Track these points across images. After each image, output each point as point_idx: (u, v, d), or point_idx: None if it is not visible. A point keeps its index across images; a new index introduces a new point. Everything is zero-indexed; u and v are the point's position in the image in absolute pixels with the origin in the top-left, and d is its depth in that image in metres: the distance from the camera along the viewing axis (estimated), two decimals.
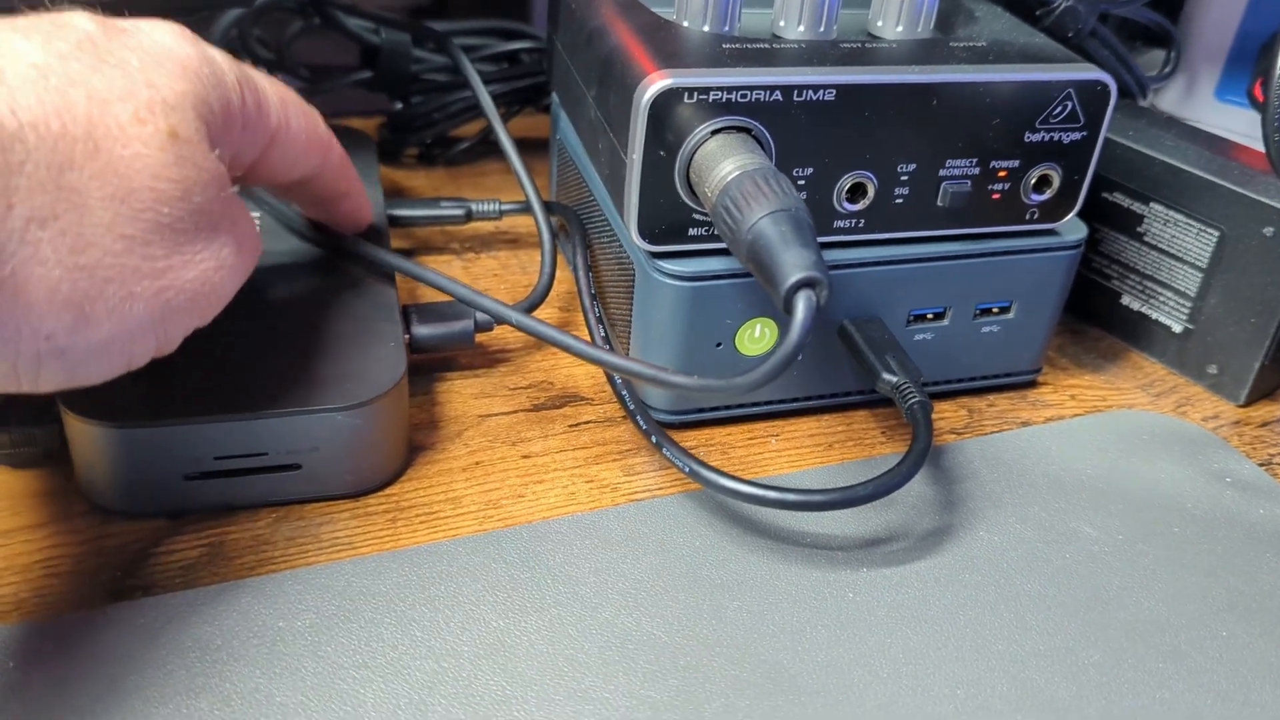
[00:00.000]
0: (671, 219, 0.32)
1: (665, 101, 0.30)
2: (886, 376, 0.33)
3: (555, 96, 0.44)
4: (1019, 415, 0.38)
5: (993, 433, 0.37)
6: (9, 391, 0.23)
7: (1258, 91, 0.48)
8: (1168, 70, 0.50)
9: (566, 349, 0.32)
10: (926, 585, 0.31)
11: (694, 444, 0.36)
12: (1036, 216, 0.35)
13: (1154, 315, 0.42)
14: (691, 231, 0.32)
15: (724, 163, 0.29)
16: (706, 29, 0.33)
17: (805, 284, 0.27)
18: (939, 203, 0.34)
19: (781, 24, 0.34)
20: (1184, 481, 0.35)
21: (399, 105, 0.53)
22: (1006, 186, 0.34)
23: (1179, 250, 0.40)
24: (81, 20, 0.24)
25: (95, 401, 0.29)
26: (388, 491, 0.32)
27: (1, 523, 0.30)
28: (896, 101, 0.32)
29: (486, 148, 0.54)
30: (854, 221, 0.34)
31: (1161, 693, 0.28)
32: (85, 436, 0.29)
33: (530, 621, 0.28)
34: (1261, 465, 0.37)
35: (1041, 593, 0.31)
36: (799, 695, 0.27)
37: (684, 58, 0.31)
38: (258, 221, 0.38)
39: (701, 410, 0.36)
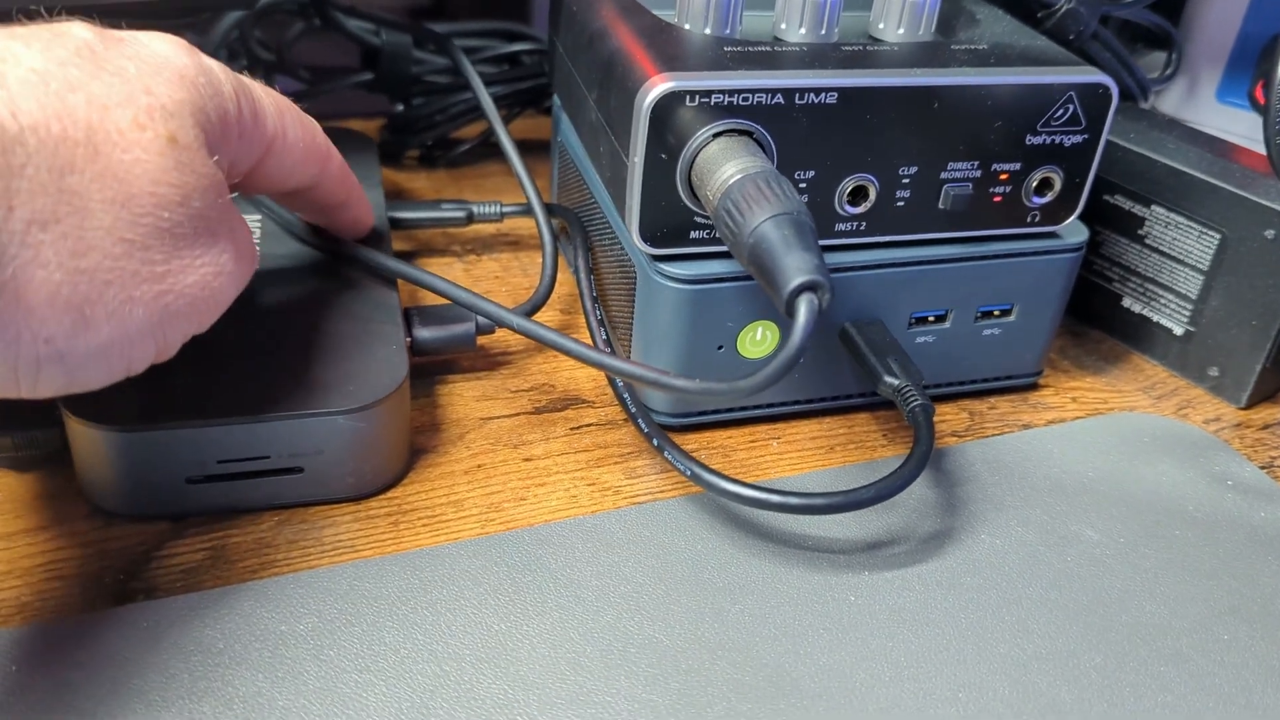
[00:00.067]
0: (673, 222, 0.32)
1: (667, 104, 0.30)
2: (888, 379, 0.33)
3: (556, 99, 0.44)
4: (1020, 418, 0.38)
5: (994, 435, 0.37)
6: (8, 396, 0.23)
7: (1259, 94, 0.48)
8: (1169, 72, 0.50)
9: (568, 353, 0.32)
10: (928, 588, 0.31)
11: (695, 447, 0.36)
12: (1038, 219, 0.35)
13: (1155, 318, 0.42)
14: (693, 234, 0.32)
15: (726, 166, 0.29)
16: (708, 32, 0.33)
17: (807, 287, 0.27)
18: (940, 205, 0.34)
19: (783, 27, 0.34)
20: (1185, 484, 0.35)
21: (400, 107, 0.53)
22: (1008, 189, 0.34)
23: (1180, 253, 0.40)
24: (80, 29, 0.24)
25: (98, 405, 0.29)
26: (389, 494, 0.33)
27: (4, 525, 0.30)
28: (898, 104, 0.32)
29: (487, 150, 0.54)
30: (855, 224, 0.34)
31: (1163, 695, 0.28)
32: (87, 440, 0.29)
33: (532, 625, 0.28)
34: (1263, 468, 0.37)
35: (1043, 596, 0.31)
36: (801, 699, 0.27)
37: (685, 60, 0.31)
38: (258, 226, 0.38)
39: (703, 413, 0.36)
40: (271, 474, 0.31)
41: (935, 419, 0.36)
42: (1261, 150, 0.40)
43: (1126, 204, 0.41)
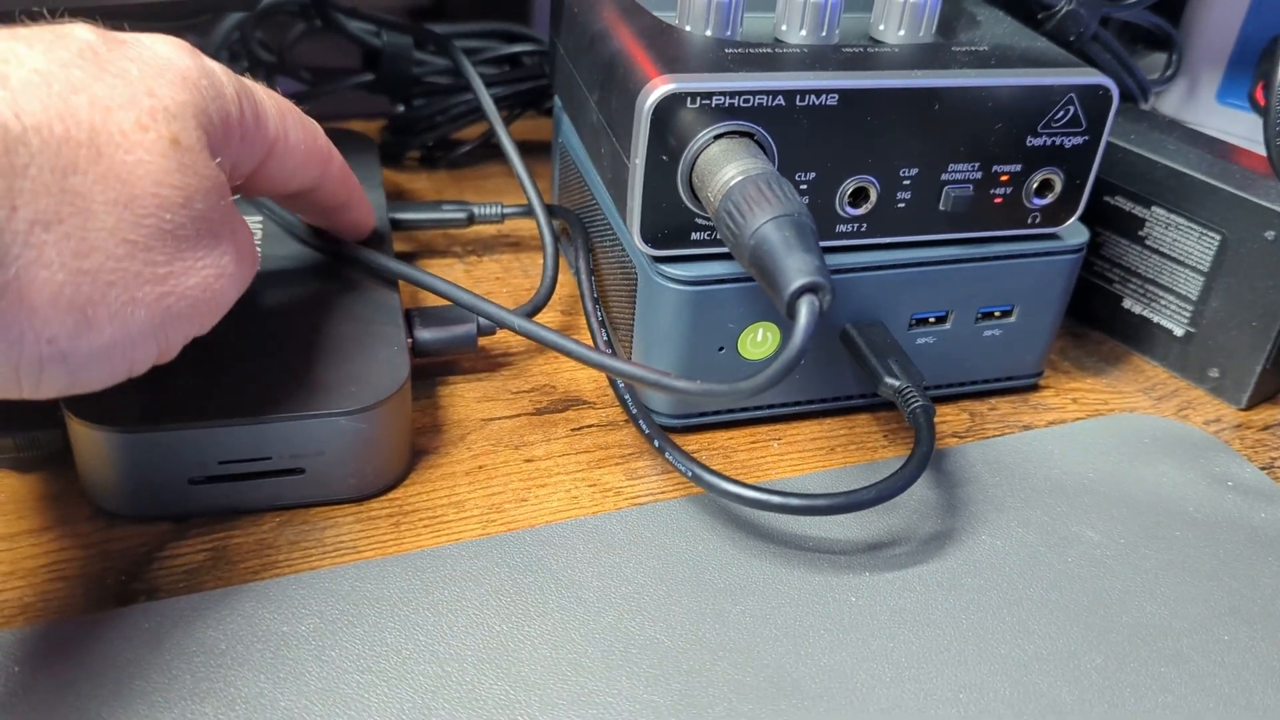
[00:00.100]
0: (674, 223, 0.32)
1: (668, 106, 0.30)
2: (889, 380, 0.33)
3: (557, 100, 0.44)
4: (1021, 419, 0.39)
5: (994, 436, 0.37)
6: (10, 397, 0.23)
7: (1259, 95, 0.48)
8: (1169, 74, 0.50)
9: (569, 354, 0.32)
10: (929, 589, 0.31)
11: (696, 448, 0.36)
12: (1038, 220, 0.36)
13: (1156, 319, 0.42)
14: (694, 236, 0.32)
15: (727, 167, 0.29)
16: (709, 33, 0.33)
17: (808, 289, 0.27)
18: (941, 207, 0.34)
19: (783, 29, 0.34)
20: (1186, 485, 0.35)
21: (401, 108, 0.53)
22: (1008, 191, 0.34)
23: (1180, 254, 0.40)
24: (82, 31, 0.24)
25: (100, 406, 0.29)
26: (391, 495, 0.33)
27: (7, 526, 0.30)
28: (899, 106, 0.32)
29: (488, 151, 0.54)
30: (856, 226, 0.34)
31: (1164, 696, 0.28)
32: (89, 441, 0.29)
33: (533, 626, 0.28)
34: (1263, 469, 0.37)
35: (1044, 597, 0.31)
36: (802, 699, 0.27)
37: (687, 62, 0.31)
38: (259, 228, 0.38)
39: (704, 414, 0.36)
40: (273, 475, 0.31)
41: (936, 420, 0.36)
42: (1261, 151, 0.40)
43: (1127, 205, 0.41)
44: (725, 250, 0.32)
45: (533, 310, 0.38)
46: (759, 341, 0.34)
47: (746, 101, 0.30)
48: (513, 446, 0.35)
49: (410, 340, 0.35)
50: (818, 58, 0.32)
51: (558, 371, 0.39)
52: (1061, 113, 0.33)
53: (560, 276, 0.42)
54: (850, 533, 0.32)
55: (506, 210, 0.44)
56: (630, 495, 0.33)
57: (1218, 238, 0.39)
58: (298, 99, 0.32)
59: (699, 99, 0.30)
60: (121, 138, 0.23)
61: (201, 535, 0.30)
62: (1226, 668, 0.29)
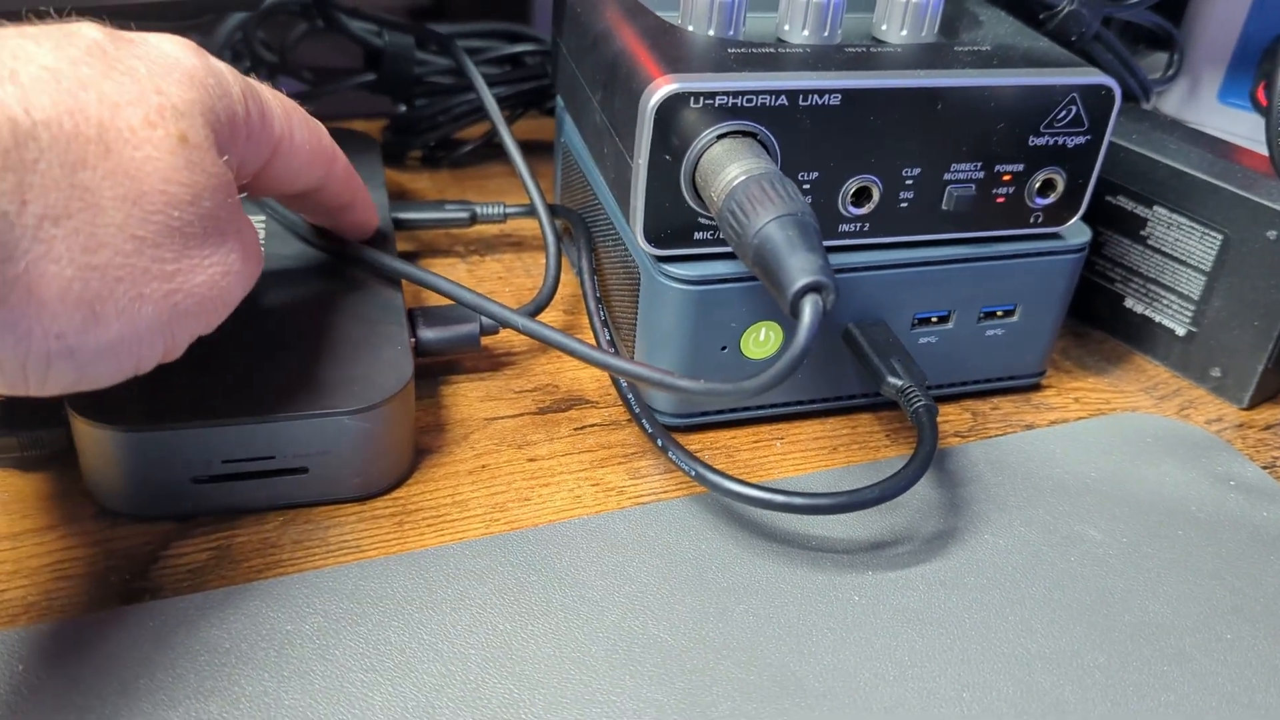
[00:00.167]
0: (677, 223, 0.32)
1: (671, 106, 0.30)
2: (891, 380, 0.33)
3: (560, 100, 0.44)
4: (1023, 418, 0.39)
5: (997, 436, 0.37)
6: (17, 394, 0.23)
7: (1260, 95, 0.48)
8: (1171, 73, 0.50)
9: (572, 353, 0.32)
10: (932, 588, 0.31)
11: (699, 447, 0.36)
12: (1041, 220, 0.36)
13: (1157, 318, 0.42)
14: (697, 235, 0.33)
15: (730, 167, 0.29)
16: (711, 33, 0.33)
17: (812, 288, 0.27)
18: (943, 206, 0.34)
19: (786, 28, 0.35)
20: (1188, 485, 0.36)
21: (403, 108, 0.53)
22: (1011, 190, 0.35)
23: (1182, 253, 0.40)
24: (90, 29, 0.24)
25: (103, 405, 0.29)
26: (394, 495, 0.33)
27: (11, 525, 0.30)
28: (901, 106, 0.32)
29: (490, 150, 0.54)
30: (859, 225, 0.34)
31: (1166, 695, 0.28)
32: (93, 440, 0.29)
33: (537, 624, 0.28)
34: (1265, 468, 0.37)
35: (1046, 596, 0.31)
36: (805, 698, 0.27)
37: (689, 62, 0.31)
38: (263, 227, 0.38)
39: (706, 413, 0.36)
40: (277, 474, 0.31)
41: (938, 419, 0.37)
42: (1263, 151, 0.40)
43: (1129, 205, 0.41)
44: (728, 250, 0.32)
45: (535, 310, 0.38)
46: (761, 341, 0.34)
47: (749, 101, 0.30)
48: (516, 446, 0.35)
49: (413, 340, 0.35)
50: (820, 57, 0.32)
51: (560, 371, 0.39)
52: (1064, 112, 0.33)
53: (563, 276, 0.42)
54: (853, 532, 0.32)
55: (509, 210, 0.44)
56: (633, 494, 0.33)
57: (1219, 237, 0.39)
58: (300, 99, 0.32)
59: (702, 99, 0.30)
60: (130, 134, 0.23)
61: (205, 534, 0.30)
62: (1229, 666, 0.29)
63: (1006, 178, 0.34)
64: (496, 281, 0.45)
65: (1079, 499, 0.34)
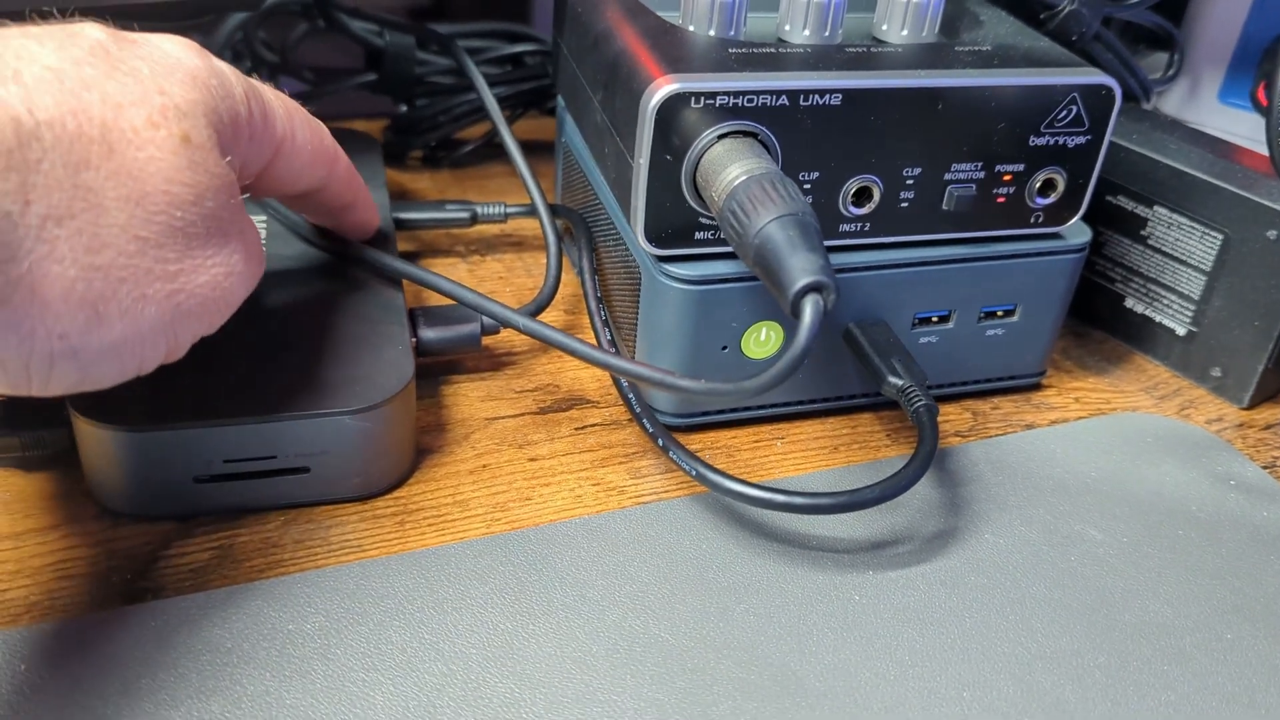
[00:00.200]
0: (678, 223, 0.32)
1: (672, 106, 0.30)
2: (892, 380, 0.33)
3: (560, 100, 0.44)
4: (1023, 418, 0.39)
5: (997, 435, 0.37)
6: (20, 394, 0.23)
7: (1261, 95, 0.48)
8: (1171, 73, 0.50)
9: (572, 353, 0.32)
10: (932, 588, 0.31)
11: (700, 446, 0.36)
12: (1041, 220, 0.36)
13: (1158, 318, 0.42)
14: (698, 235, 0.33)
15: (730, 167, 0.29)
16: (712, 33, 0.33)
17: (813, 288, 0.27)
18: (944, 206, 0.34)
19: (787, 28, 0.35)
20: (1188, 484, 0.36)
21: (403, 108, 0.53)
22: (1011, 190, 0.35)
23: (1183, 253, 0.40)
24: (93, 30, 0.24)
25: (105, 404, 0.29)
26: (395, 494, 0.33)
27: (13, 525, 0.30)
28: (902, 106, 0.32)
29: (491, 150, 0.54)
30: (859, 225, 0.34)
31: (1167, 695, 0.28)
32: (95, 440, 0.29)
33: (538, 624, 0.28)
34: (1265, 468, 0.37)
35: (1047, 595, 0.31)
36: (806, 697, 0.27)
37: (690, 62, 0.31)
38: (264, 228, 0.38)
39: (707, 413, 0.36)
40: (278, 474, 0.31)
41: (939, 419, 0.37)
42: (1264, 151, 0.40)
43: (1129, 205, 0.41)
44: (729, 249, 0.32)
45: (536, 310, 0.38)
46: (762, 341, 0.34)
47: (750, 101, 0.30)
48: (516, 445, 0.35)
49: (414, 339, 0.35)
50: (821, 57, 0.32)
51: (561, 371, 0.39)
52: (1064, 112, 0.33)
53: (563, 276, 0.42)
54: (854, 531, 0.33)
55: (510, 210, 0.44)
56: (634, 494, 0.33)
57: (1220, 237, 0.39)
58: (301, 99, 0.32)
59: (703, 99, 0.30)
60: (133, 134, 0.23)
61: (207, 534, 0.30)
62: (1229, 666, 0.29)
63: (1007, 178, 0.34)
64: (497, 281, 0.45)
65: (1079, 499, 0.34)
